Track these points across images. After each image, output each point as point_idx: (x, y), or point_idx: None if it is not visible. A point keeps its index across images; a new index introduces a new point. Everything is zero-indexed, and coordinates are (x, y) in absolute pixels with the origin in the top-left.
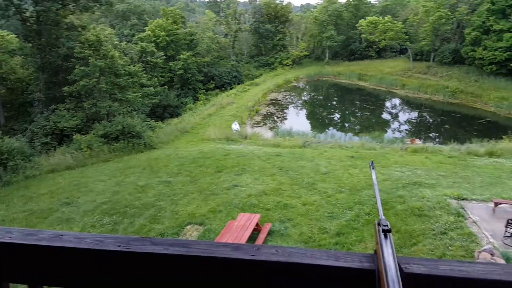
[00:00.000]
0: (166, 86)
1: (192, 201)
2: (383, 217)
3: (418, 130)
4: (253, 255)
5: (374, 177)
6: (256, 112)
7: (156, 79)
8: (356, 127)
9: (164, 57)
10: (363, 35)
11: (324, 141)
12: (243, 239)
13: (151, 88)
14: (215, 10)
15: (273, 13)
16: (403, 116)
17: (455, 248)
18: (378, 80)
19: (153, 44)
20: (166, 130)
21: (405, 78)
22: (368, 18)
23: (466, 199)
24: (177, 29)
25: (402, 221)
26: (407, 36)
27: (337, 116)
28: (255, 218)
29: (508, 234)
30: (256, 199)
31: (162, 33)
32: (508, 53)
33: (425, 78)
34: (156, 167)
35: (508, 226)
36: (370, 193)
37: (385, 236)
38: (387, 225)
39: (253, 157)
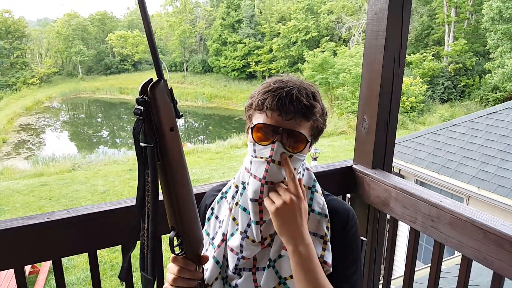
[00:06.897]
0: None
1: None
2: None
3: (187, 134)
4: None
5: None
6: (4, 142)
7: None
8: (129, 141)
9: None
10: (115, 49)
11: (96, 160)
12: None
13: None
14: None
15: (3, 28)
16: None
17: None
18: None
19: None
20: None
21: None
22: (117, 32)
23: None
24: None
25: None
26: (159, 49)
27: (105, 133)
28: None
29: None
30: None
31: None
32: (243, 61)
33: (183, 87)
34: None
35: None
36: None
37: None
38: None
39: (12, 193)
